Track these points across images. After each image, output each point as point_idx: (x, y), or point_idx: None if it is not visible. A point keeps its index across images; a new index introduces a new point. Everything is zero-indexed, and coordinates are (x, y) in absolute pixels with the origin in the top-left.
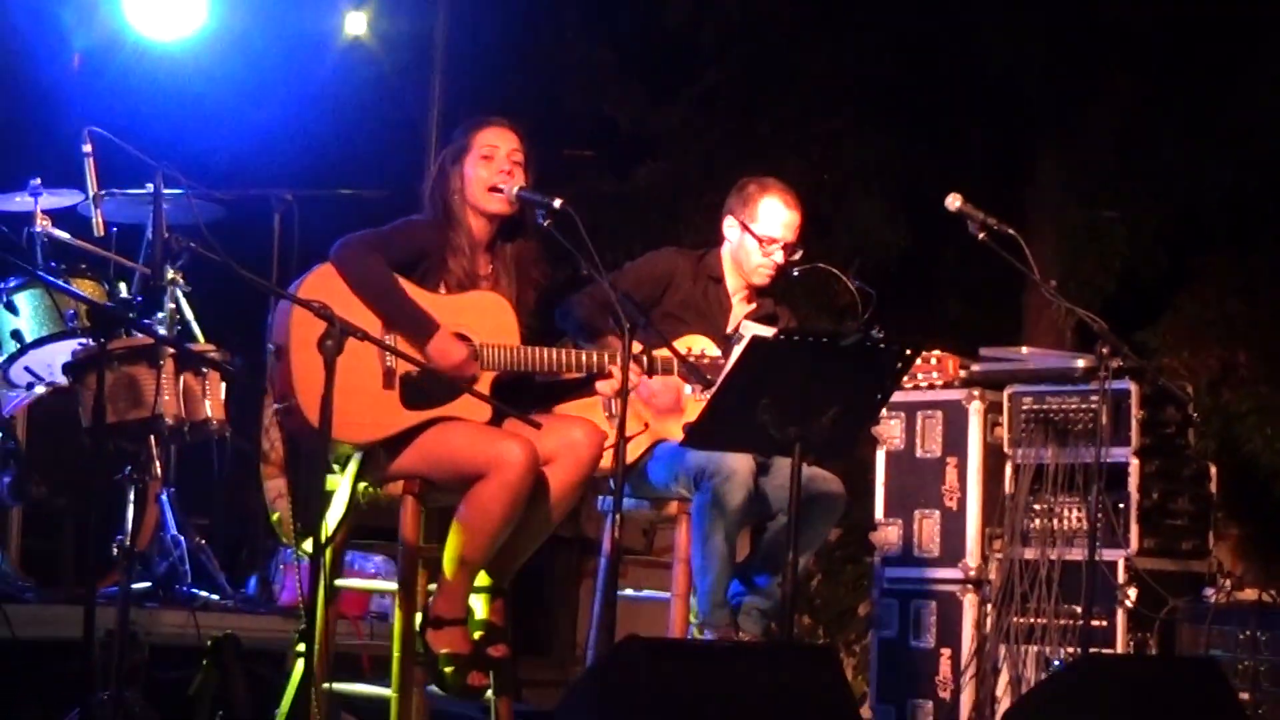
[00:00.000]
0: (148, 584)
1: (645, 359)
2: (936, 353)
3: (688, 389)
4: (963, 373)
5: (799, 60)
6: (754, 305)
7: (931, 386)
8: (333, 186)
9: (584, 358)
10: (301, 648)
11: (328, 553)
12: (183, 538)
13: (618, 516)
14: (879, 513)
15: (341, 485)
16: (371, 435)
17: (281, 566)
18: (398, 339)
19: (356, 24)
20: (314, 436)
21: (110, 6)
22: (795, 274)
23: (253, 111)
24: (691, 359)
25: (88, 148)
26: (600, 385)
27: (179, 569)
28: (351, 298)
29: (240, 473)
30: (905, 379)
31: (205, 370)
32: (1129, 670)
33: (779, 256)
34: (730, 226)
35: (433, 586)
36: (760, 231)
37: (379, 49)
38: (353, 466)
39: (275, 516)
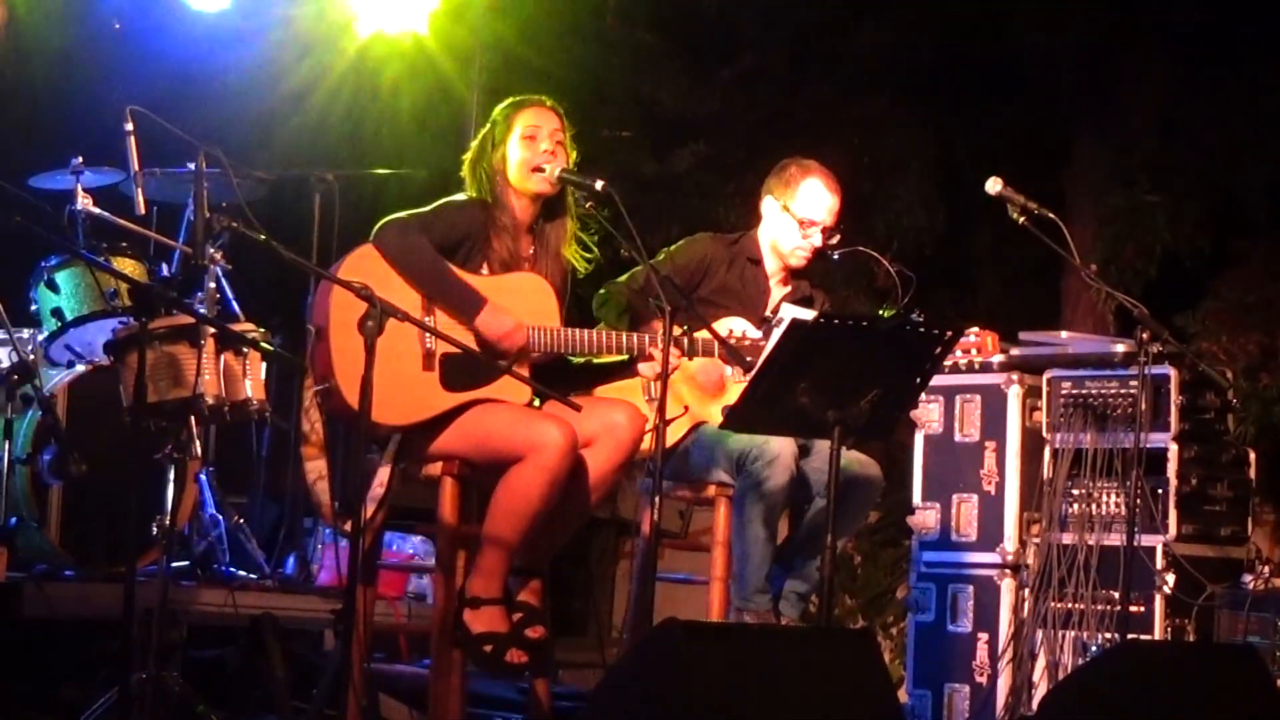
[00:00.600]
0: (186, 563)
1: (685, 341)
2: (975, 329)
3: (728, 370)
4: (1001, 356)
5: (838, 43)
6: (790, 287)
7: (971, 364)
8: (373, 167)
9: (625, 340)
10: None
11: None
12: (221, 517)
13: (658, 499)
14: (917, 496)
15: (381, 466)
16: (411, 417)
17: (319, 546)
18: (443, 317)
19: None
20: (354, 418)
21: None
22: (835, 257)
23: (292, 91)
24: (732, 341)
25: (129, 126)
26: (642, 367)
27: (217, 548)
28: (391, 279)
29: (279, 453)
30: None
31: (246, 350)
32: (1167, 656)
33: (817, 239)
34: (769, 207)
35: None
36: (800, 214)
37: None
38: (392, 447)
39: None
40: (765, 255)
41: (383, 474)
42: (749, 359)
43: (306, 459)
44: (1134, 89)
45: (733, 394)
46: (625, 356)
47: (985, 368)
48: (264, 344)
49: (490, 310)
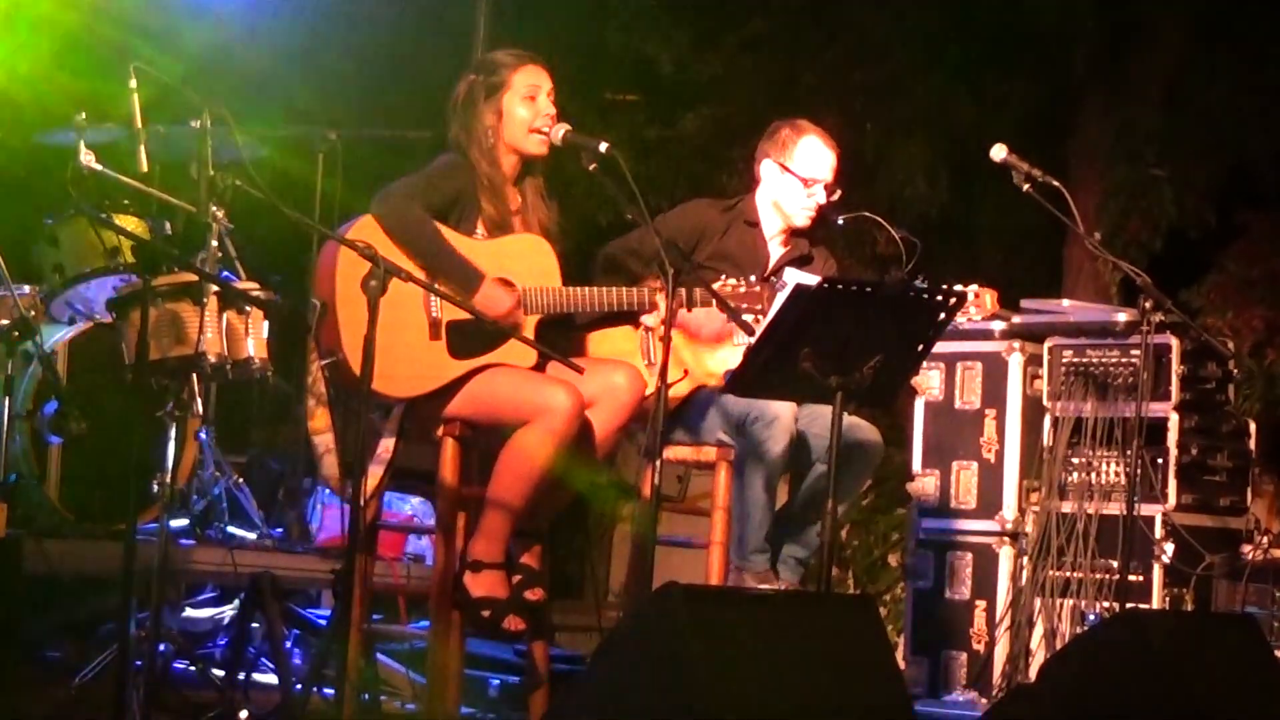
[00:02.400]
0: (185, 521)
1: (684, 293)
2: (974, 288)
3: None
4: (1002, 324)
5: (844, 9)
6: (789, 247)
7: (970, 323)
8: (376, 127)
9: (627, 295)
10: None
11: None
12: (221, 476)
13: (658, 463)
14: (916, 463)
15: (385, 433)
16: (419, 389)
17: (319, 506)
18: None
19: None
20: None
21: None
22: (840, 222)
23: (297, 50)
24: (730, 286)
25: (133, 83)
26: (646, 318)
27: (217, 507)
28: (394, 247)
29: (279, 412)
30: None
31: (248, 309)
32: (1165, 626)
33: (821, 196)
34: (768, 169)
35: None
36: (802, 172)
37: None
38: (397, 412)
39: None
40: (764, 218)
41: (387, 440)
42: (744, 306)
43: (314, 434)
44: (1141, 61)
45: (727, 355)
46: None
47: (986, 335)
48: (267, 302)
49: (488, 287)
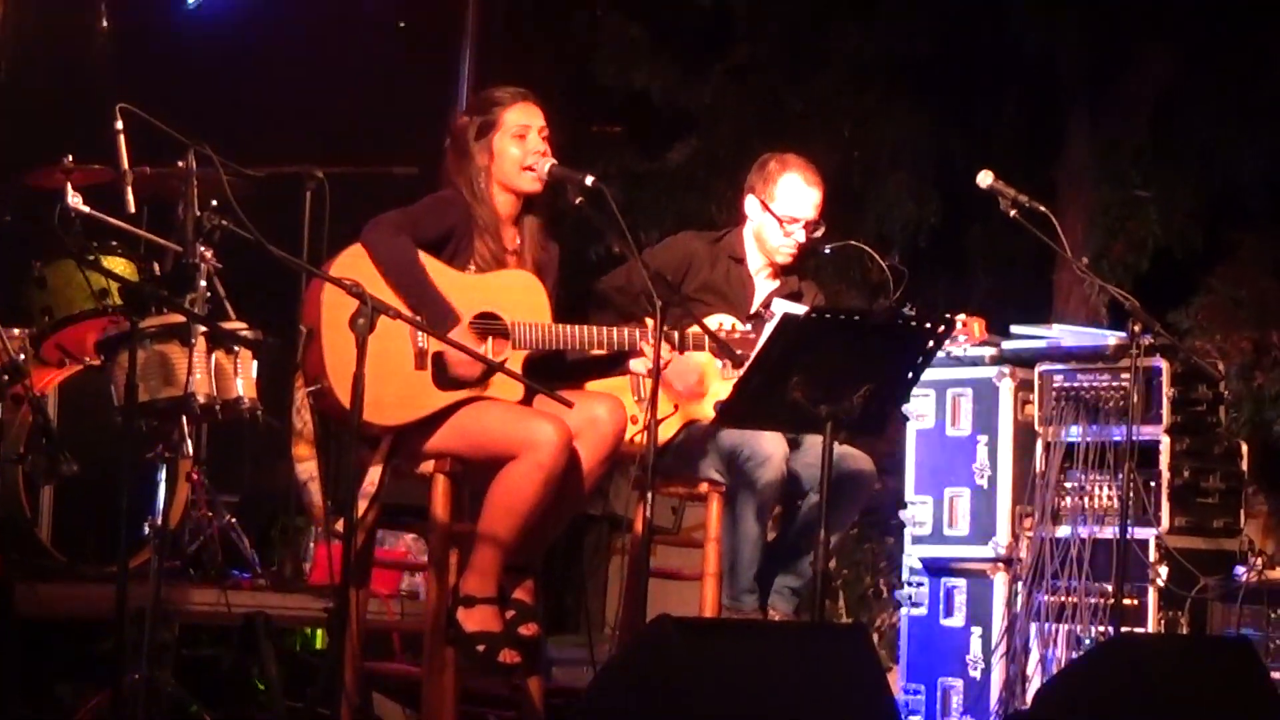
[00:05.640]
0: (177, 563)
1: (676, 336)
2: (962, 316)
3: (716, 362)
4: (991, 350)
5: (830, 36)
6: (779, 283)
7: (963, 352)
8: (362, 163)
9: (616, 335)
10: None
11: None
12: (213, 516)
13: (650, 496)
14: (909, 490)
15: (372, 465)
16: (404, 418)
17: (312, 544)
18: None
19: None
20: (347, 418)
21: None
22: (827, 251)
23: (283, 88)
24: (723, 334)
25: (119, 124)
26: (634, 363)
27: (209, 547)
28: (381, 278)
29: (270, 451)
30: None
31: (237, 349)
32: (1161, 649)
33: (800, 236)
34: (751, 205)
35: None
36: (780, 211)
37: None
38: (384, 445)
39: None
40: (750, 252)
41: (374, 472)
42: (739, 352)
43: (298, 460)
44: (1126, 82)
45: (716, 389)
46: (615, 352)
47: (976, 361)
48: (256, 342)
49: (458, 332)
